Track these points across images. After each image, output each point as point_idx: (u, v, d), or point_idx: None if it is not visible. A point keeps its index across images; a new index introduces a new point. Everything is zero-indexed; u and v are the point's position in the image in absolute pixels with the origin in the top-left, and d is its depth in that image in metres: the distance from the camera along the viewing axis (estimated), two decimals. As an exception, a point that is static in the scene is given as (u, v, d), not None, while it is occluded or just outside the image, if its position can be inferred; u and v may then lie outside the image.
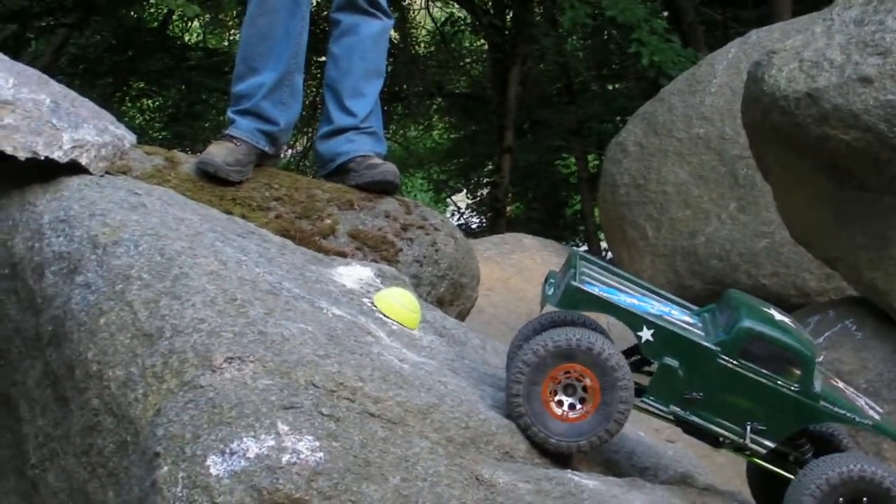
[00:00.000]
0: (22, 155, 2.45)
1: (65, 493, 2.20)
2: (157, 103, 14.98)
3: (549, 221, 14.53)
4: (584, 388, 2.20)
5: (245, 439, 1.86)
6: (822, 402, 2.28)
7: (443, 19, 15.62)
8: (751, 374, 2.24)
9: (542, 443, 2.21)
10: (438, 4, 15.65)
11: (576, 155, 13.59)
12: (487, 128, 14.58)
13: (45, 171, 2.52)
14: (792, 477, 2.28)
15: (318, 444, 1.88)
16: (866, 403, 2.45)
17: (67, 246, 2.31)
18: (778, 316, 2.36)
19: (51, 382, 2.25)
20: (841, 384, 2.49)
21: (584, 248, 13.14)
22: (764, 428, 2.27)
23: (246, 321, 2.13)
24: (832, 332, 4.62)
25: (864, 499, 2.20)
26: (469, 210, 16.52)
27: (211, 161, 3.37)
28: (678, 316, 2.35)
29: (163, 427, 1.93)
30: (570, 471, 2.21)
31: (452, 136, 16.86)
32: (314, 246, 3.20)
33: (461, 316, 3.59)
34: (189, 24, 15.01)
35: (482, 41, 15.13)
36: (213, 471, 1.83)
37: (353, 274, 2.75)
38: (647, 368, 2.35)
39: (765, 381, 2.25)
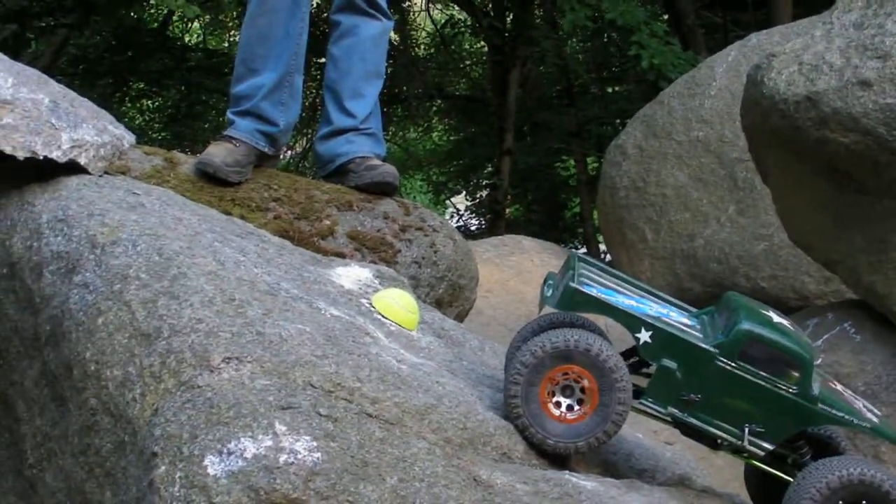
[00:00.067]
0: (21, 154, 2.45)
1: (62, 492, 2.20)
2: (156, 104, 14.98)
3: (548, 223, 14.52)
4: (582, 390, 2.20)
5: (242, 439, 1.86)
6: (821, 405, 2.28)
7: (443, 21, 15.62)
8: (749, 377, 2.24)
9: (540, 444, 2.21)
10: (438, 6, 15.65)
11: (575, 157, 13.60)
12: (487, 130, 14.59)
13: (44, 171, 2.52)
14: (790, 479, 2.28)
15: (315, 444, 1.88)
16: (864, 406, 2.45)
17: (66, 245, 2.31)
18: (777, 318, 2.36)
19: (49, 382, 2.25)
20: (839, 387, 2.49)
21: (584, 250, 13.13)
22: (762, 430, 2.27)
23: (244, 321, 2.12)
24: (831, 334, 4.63)
25: (864, 502, 2.20)
26: (468, 212, 16.51)
27: (210, 162, 3.37)
28: (676, 318, 2.35)
29: (160, 427, 1.93)
30: (567, 472, 2.21)
31: (452, 137, 16.86)
32: (313, 247, 3.20)
33: (460, 317, 3.59)
34: (189, 24, 15.01)
35: (482, 43, 15.13)
36: (210, 471, 1.83)
37: (352, 275, 2.75)
38: (645, 370, 2.35)
39: (763, 383, 2.24)
